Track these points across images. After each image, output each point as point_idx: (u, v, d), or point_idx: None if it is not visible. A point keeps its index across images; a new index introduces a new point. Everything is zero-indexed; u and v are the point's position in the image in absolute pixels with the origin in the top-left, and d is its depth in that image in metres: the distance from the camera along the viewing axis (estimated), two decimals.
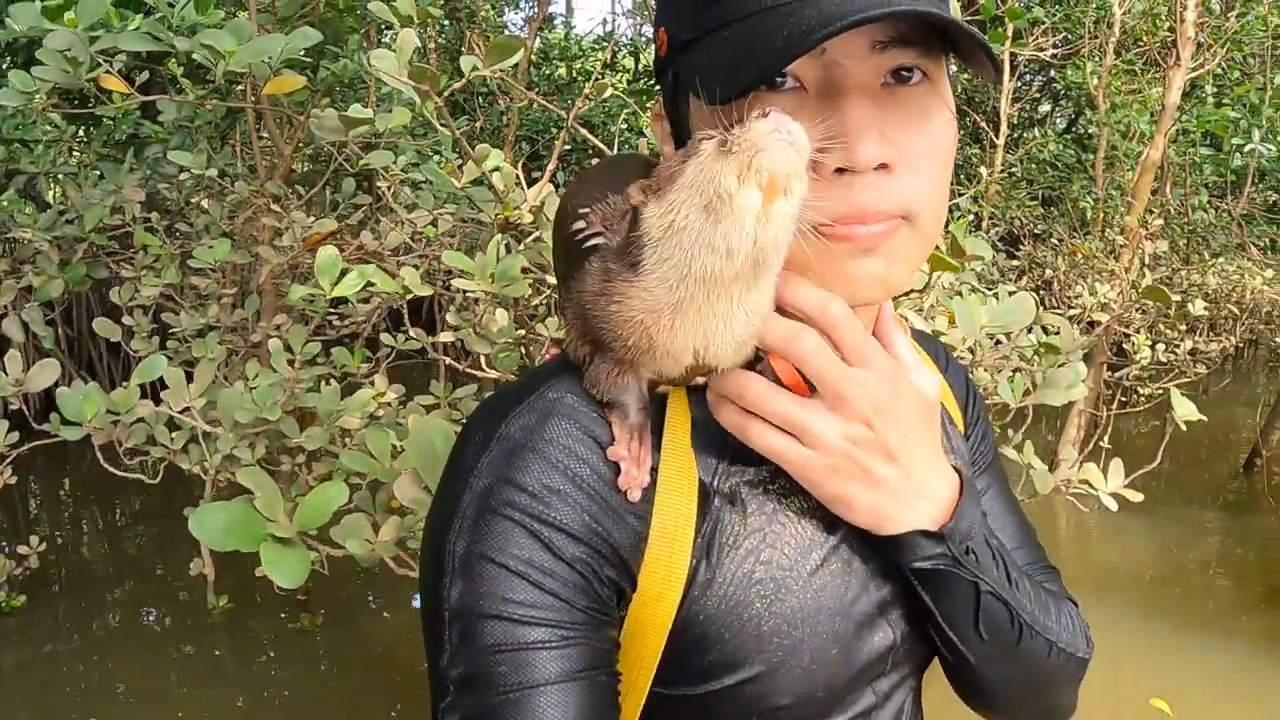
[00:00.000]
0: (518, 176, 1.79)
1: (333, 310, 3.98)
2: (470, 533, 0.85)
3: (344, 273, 1.82)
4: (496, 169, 1.76)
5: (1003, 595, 0.97)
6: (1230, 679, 5.07)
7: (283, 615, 5.15)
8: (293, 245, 3.16)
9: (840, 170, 0.84)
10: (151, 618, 5.31)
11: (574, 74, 10.54)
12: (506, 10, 10.37)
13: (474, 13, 7.47)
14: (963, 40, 0.83)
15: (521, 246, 1.81)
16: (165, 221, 4.62)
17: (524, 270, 1.68)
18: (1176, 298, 6.72)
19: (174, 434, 3.14)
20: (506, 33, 10.03)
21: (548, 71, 9.74)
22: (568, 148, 8.91)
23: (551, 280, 1.74)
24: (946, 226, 2.18)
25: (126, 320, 4.02)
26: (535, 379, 0.96)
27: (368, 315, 2.94)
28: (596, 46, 11.02)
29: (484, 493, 0.86)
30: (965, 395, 1.23)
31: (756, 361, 0.92)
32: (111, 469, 3.21)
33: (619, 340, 0.87)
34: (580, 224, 0.89)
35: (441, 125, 1.72)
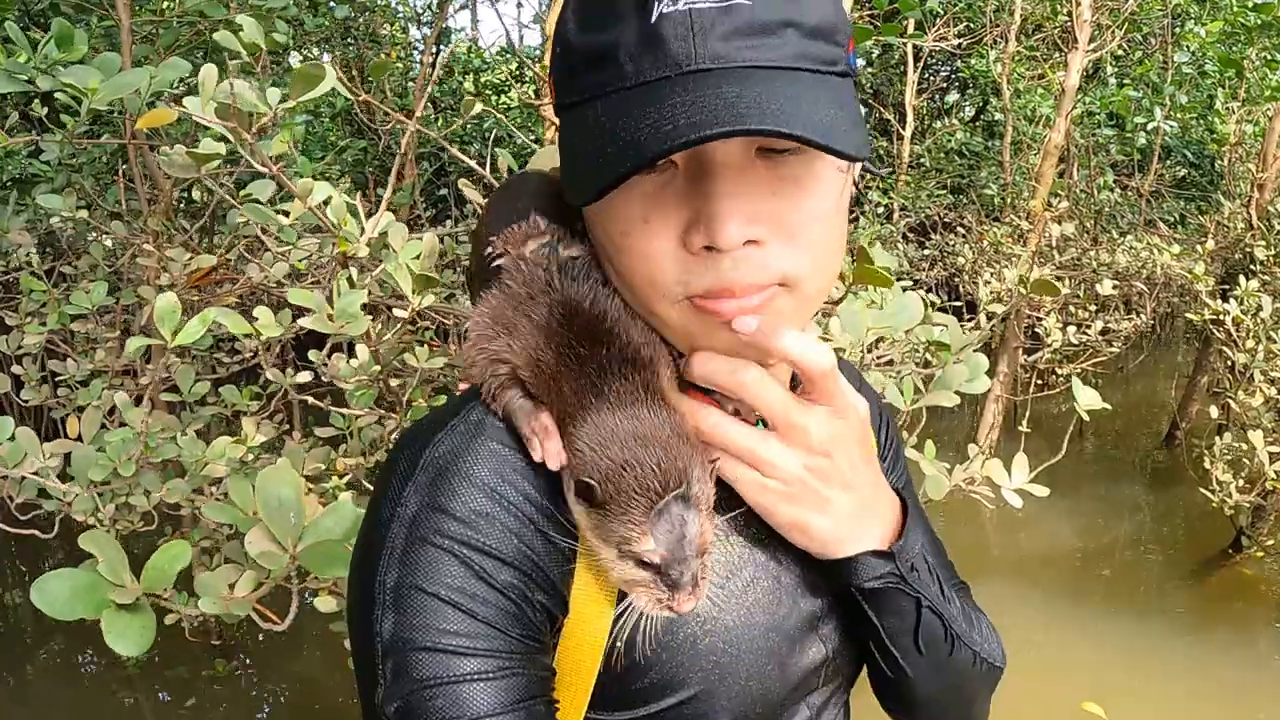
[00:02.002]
0: (354, 208, 1.72)
1: (226, 346, 3.87)
2: (400, 563, 0.84)
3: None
4: (327, 200, 1.69)
5: (939, 610, 1.00)
6: (1158, 655, 5.13)
7: (202, 659, 5.01)
8: (174, 284, 3.06)
9: (709, 247, 0.84)
10: (76, 671, 5.14)
11: (479, 87, 10.47)
12: (410, 27, 10.27)
13: (372, 31, 7.36)
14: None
15: (368, 280, 1.75)
16: (52, 264, 4.47)
17: (367, 307, 1.62)
18: (1089, 284, 6.82)
19: (65, 489, 3.02)
20: (413, 49, 9.94)
21: (451, 86, 9.66)
22: (451, 169, 8.80)
23: (400, 314, 1.69)
24: (852, 240, 2.16)
25: (16, 369, 3.87)
26: (460, 402, 0.96)
27: (255, 350, 2.84)
28: (501, 58, 10.98)
29: (412, 521, 0.85)
30: (878, 419, 1.24)
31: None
32: (6, 527, 3.07)
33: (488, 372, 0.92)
34: (489, 249, 0.97)
35: (253, 159, 1.65)
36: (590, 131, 0.84)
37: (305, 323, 1.59)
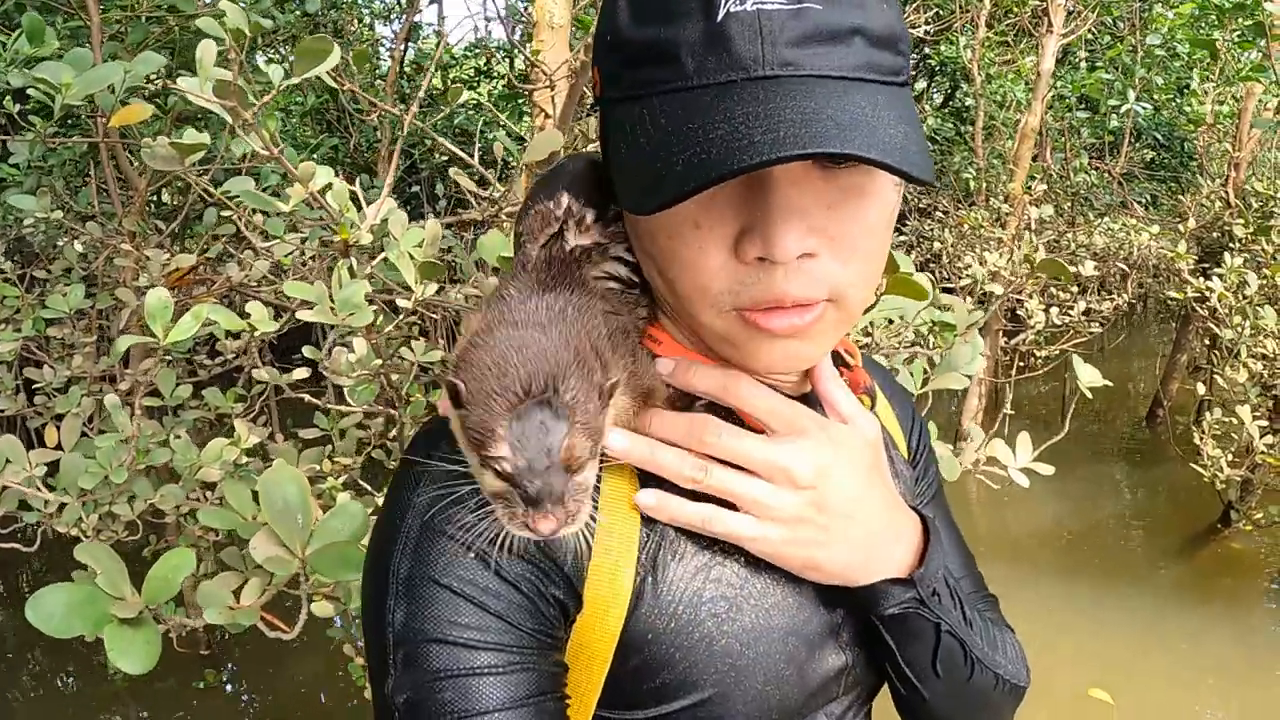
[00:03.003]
0: (355, 194, 1.66)
1: (205, 349, 3.78)
2: (414, 554, 0.83)
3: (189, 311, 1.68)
4: (328, 188, 1.62)
5: (959, 634, 0.98)
6: (1155, 631, 5.15)
7: (191, 670, 4.93)
8: (152, 284, 2.98)
9: (762, 258, 0.81)
10: (60, 688, 5.05)
11: (448, 82, 10.38)
12: (378, 24, 10.19)
13: (340, 28, 7.27)
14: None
15: (369, 269, 1.69)
16: (24, 269, 4.36)
17: (376, 292, 1.56)
18: (1070, 265, 6.82)
19: (48, 499, 2.94)
20: (381, 46, 9.85)
21: (419, 82, 9.58)
22: (445, 159, 8.74)
23: (404, 304, 1.63)
24: None
25: None
26: None
27: (238, 351, 2.76)
28: (469, 54, 10.91)
29: (426, 512, 0.84)
30: (910, 422, 1.21)
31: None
32: None
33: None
34: (520, 225, 0.95)
35: (254, 142, 1.58)
36: (650, 133, 0.80)
37: (306, 315, 1.53)
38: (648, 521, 0.90)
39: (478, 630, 0.80)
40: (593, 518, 0.84)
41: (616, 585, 0.87)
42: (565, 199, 0.93)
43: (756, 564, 0.93)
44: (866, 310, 2.39)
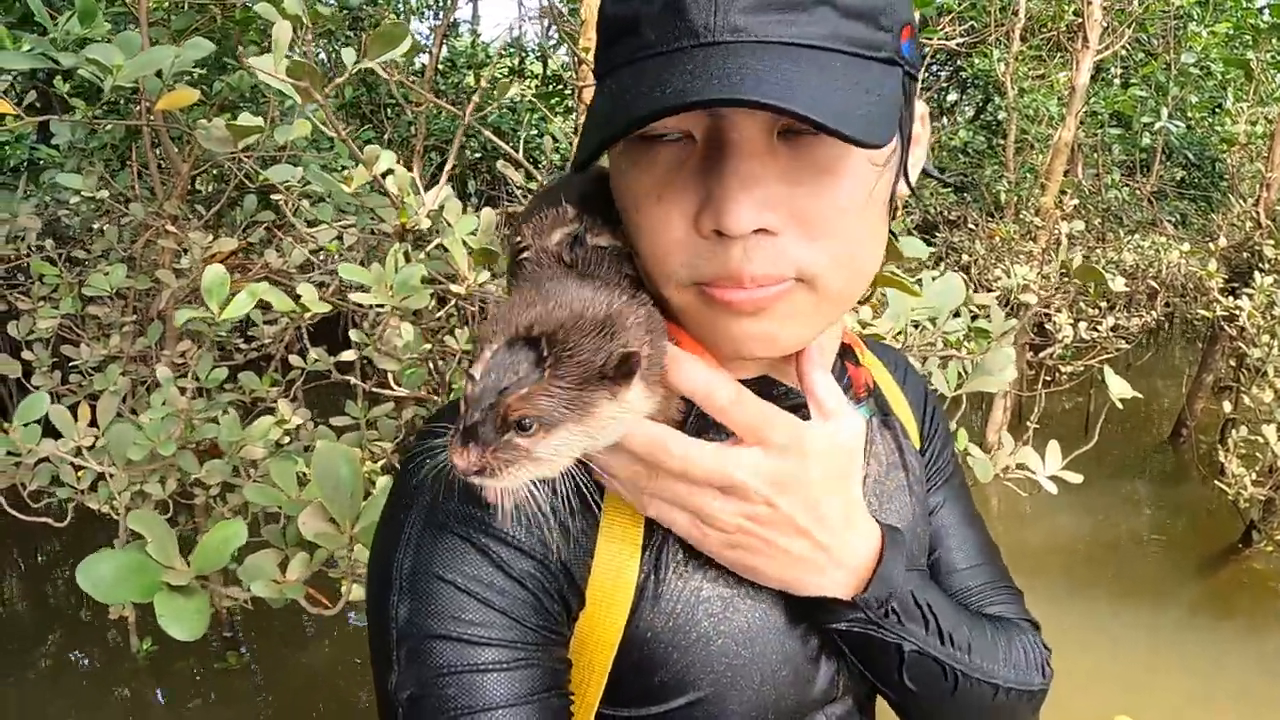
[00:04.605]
0: (414, 180, 1.69)
1: (240, 333, 3.81)
2: (417, 549, 0.83)
3: (237, 293, 1.71)
4: (389, 172, 1.65)
5: (930, 652, 0.94)
6: (1176, 650, 5.12)
7: (212, 651, 4.96)
8: (192, 268, 3.02)
9: (718, 231, 0.78)
10: (79, 665, 5.08)
11: (481, 80, 10.43)
12: (414, 19, 10.22)
13: (378, 22, 7.32)
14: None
15: (422, 255, 1.71)
16: (62, 250, 4.41)
17: (426, 280, 1.58)
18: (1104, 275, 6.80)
19: (80, 472, 2.98)
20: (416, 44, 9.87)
21: (455, 80, 9.61)
22: (478, 155, 8.78)
23: (456, 289, 1.65)
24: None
25: (27, 355, 3.82)
26: None
27: (275, 336, 2.80)
28: (504, 53, 10.93)
29: (430, 507, 0.84)
30: (924, 407, 1.20)
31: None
32: (17, 514, 3.02)
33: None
34: (517, 239, 0.91)
35: (324, 126, 1.61)
36: (604, 100, 0.80)
37: (360, 298, 1.56)
38: (652, 520, 0.89)
39: (482, 626, 0.81)
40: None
41: (620, 583, 0.87)
42: (571, 211, 0.91)
43: None
44: (864, 300, 2.38)
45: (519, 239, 0.92)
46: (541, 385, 0.74)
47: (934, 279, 2.46)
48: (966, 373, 2.44)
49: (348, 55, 1.61)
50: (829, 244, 0.81)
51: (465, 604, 0.81)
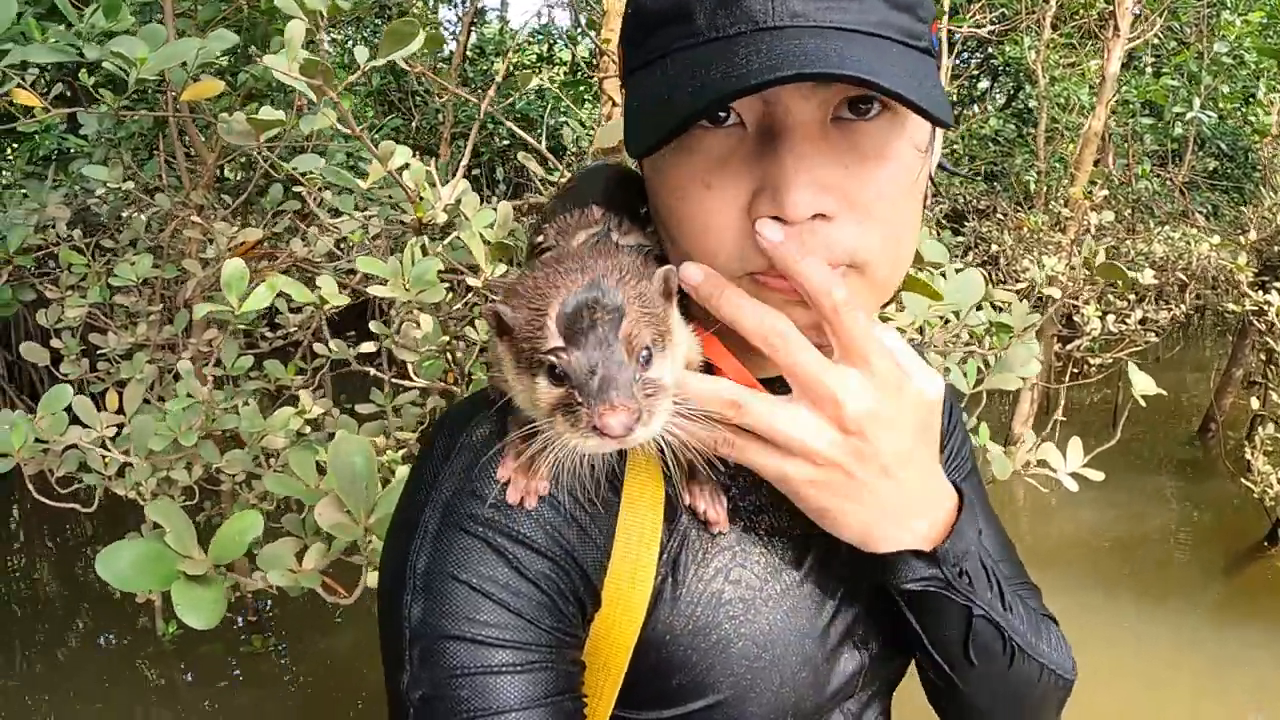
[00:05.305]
0: (430, 174, 1.69)
1: (266, 321, 3.84)
2: (432, 548, 0.82)
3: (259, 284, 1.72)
4: (405, 167, 1.66)
5: (995, 618, 0.92)
6: (1199, 649, 5.08)
7: (238, 636, 5.02)
8: (218, 257, 3.04)
9: (775, 217, 0.78)
10: (108, 645, 5.15)
11: (509, 69, 10.44)
12: (442, 7, 10.25)
13: (405, 11, 7.34)
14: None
15: (439, 248, 1.72)
16: (90, 239, 4.46)
17: (443, 273, 1.59)
18: (1128, 272, 6.73)
19: (106, 458, 3.01)
20: (443, 30, 9.90)
21: (483, 67, 9.63)
22: (506, 142, 8.79)
23: (473, 282, 1.66)
24: None
25: (55, 343, 3.86)
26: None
27: (301, 325, 2.82)
28: (532, 40, 10.94)
29: (446, 506, 0.83)
30: (943, 405, 1.17)
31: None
32: (44, 500, 3.06)
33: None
34: (539, 238, 0.90)
35: (341, 122, 1.62)
36: (657, 85, 0.80)
37: (377, 290, 1.57)
38: (670, 521, 0.89)
39: (496, 628, 0.79)
40: (619, 482, 0.81)
41: (637, 585, 0.86)
42: (597, 212, 0.91)
43: (775, 567, 0.93)
44: (890, 301, 2.35)
45: (541, 239, 0.91)
46: (635, 314, 0.74)
47: (957, 271, 2.44)
48: (988, 367, 2.43)
49: (360, 53, 1.61)
50: (879, 227, 0.82)
51: (480, 605, 0.79)
